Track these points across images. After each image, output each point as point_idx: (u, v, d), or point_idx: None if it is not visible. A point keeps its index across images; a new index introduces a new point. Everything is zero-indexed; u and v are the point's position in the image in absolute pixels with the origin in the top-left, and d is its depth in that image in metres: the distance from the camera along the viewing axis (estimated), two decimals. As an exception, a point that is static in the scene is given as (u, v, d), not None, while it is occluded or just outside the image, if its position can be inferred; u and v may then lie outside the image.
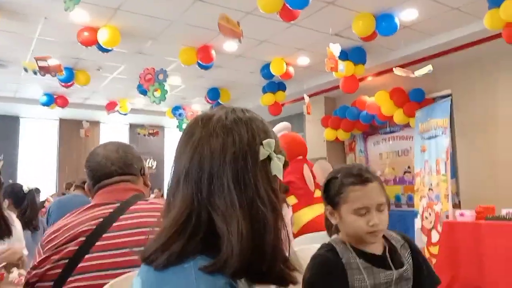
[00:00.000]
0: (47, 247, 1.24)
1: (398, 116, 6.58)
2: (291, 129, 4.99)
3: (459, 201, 5.88)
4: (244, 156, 0.76)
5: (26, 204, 2.98)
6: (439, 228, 5.02)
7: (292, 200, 4.36)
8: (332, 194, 1.35)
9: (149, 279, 0.73)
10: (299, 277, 0.82)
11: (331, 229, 1.44)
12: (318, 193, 4.61)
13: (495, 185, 5.40)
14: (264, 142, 0.78)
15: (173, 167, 0.82)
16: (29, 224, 2.89)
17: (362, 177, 1.30)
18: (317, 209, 4.41)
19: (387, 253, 1.32)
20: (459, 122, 6.04)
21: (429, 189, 5.51)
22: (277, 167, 0.79)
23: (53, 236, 1.25)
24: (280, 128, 4.92)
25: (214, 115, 0.81)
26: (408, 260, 1.35)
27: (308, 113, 6.11)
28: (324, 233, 2.60)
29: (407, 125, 6.88)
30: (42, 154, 9.87)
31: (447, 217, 5.06)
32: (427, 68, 4.70)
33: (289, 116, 9.01)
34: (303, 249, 1.66)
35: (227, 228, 0.72)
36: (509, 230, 4.21)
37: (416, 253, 1.39)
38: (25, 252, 2.22)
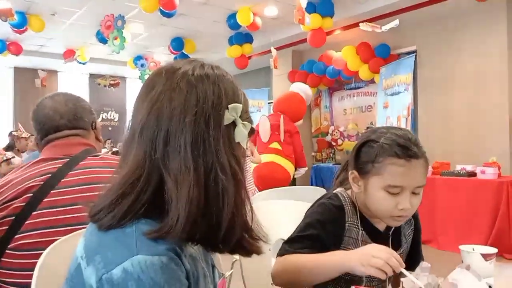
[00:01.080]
0: None
1: (364, 72, 6.61)
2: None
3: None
4: (207, 118, 0.70)
5: None
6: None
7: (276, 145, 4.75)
8: (364, 159, 1.14)
9: (91, 241, 0.70)
10: (264, 246, 0.78)
11: (337, 182, 1.31)
12: (273, 145, 5.01)
13: (451, 142, 5.60)
14: (230, 106, 0.72)
15: (130, 121, 0.75)
16: None
17: (409, 150, 1.07)
18: (266, 158, 4.77)
19: (390, 232, 1.23)
20: (421, 78, 6.13)
21: (390, 144, 5.65)
22: (241, 134, 0.73)
23: None
24: (303, 88, 5.16)
25: (180, 68, 0.73)
26: (408, 239, 1.28)
27: (275, 67, 6.03)
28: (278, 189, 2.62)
29: (372, 81, 6.94)
30: (-3, 104, 9.39)
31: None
32: (394, 23, 4.68)
33: (256, 70, 8.91)
34: (259, 205, 1.67)
35: (176, 192, 0.67)
36: (461, 185, 4.42)
37: (418, 231, 1.32)
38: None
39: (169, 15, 5.78)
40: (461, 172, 4.55)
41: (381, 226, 1.22)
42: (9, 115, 9.50)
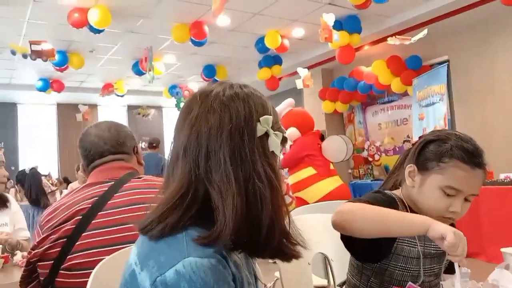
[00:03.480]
0: (45, 227, 1.26)
1: (396, 85, 6.54)
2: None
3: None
4: (241, 132, 0.76)
5: (29, 183, 3.02)
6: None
7: (310, 171, 4.42)
8: (429, 156, 1.16)
9: (143, 249, 0.76)
10: (302, 251, 0.81)
11: (388, 183, 1.31)
12: (331, 166, 4.64)
13: (492, 150, 5.40)
14: (261, 118, 0.79)
15: (172, 144, 0.83)
16: (37, 202, 2.93)
17: (475, 158, 1.11)
18: (335, 181, 4.45)
19: None
20: (456, 88, 6.00)
21: (428, 156, 5.52)
22: (274, 143, 0.79)
23: (50, 216, 1.27)
24: (286, 106, 4.93)
25: (212, 91, 0.81)
26: None
27: (307, 85, 6.07)
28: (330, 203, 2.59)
29: (405, 94, 6.85)
30: (42, 139, 9.89)
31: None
32: (422, 33, 4.65)
33: (287, 91, 8.97)
34: (298, 218, 1.68)
35: (222, 202, 0.73)
36: (506, 193, 4.25)
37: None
38: (27, 234, 2.25)
39: (200, 44, 5.98)
40: (505, 181, 4.39)
41: None
42: (54, 149, 9.98)
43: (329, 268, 1.64)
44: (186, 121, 0.79)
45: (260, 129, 0.78)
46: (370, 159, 7.94)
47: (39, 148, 9.78)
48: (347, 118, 8.43)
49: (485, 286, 0.94)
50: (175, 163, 0.80)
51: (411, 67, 6.45)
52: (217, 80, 8.03)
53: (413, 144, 1.27)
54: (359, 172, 8.15)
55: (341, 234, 1.18)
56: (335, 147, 6.65)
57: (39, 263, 1.23)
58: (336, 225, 1.11)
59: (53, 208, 1.30)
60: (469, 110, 5.83)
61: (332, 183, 4.37)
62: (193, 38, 5.77)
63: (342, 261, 1.59)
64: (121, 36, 6.13)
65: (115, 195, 1.28)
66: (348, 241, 1.18)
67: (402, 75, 6.45)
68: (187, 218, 0.74)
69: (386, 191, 1.26)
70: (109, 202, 1.27)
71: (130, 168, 1.41)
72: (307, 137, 4.69)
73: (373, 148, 7.89)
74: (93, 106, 10.11)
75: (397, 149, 7.46)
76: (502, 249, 1.07)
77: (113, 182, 1.32)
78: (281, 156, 0.85)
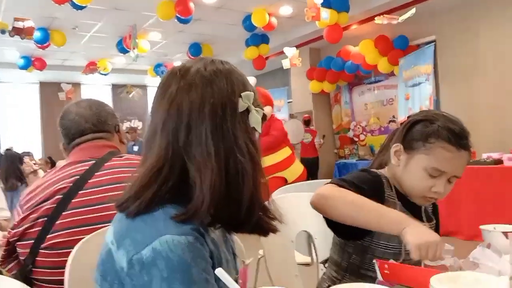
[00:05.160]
0: (25, 207, 1.24)
1: (383, 65, 6.55)
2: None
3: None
4: (223, 107, 0.76)
5: (5, 166, 2.95)
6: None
7: (288, 151, 4.46)
8: (416, 136, 1.15)
9: (120, 227, 0.74)
10: (279, 226, 0.82)
11: (375, 162, 1.31)
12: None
13: (476, 130, 5.45)
14: (243, 94, 0.78)
15: (150, 120, 0.81)
16: (7, 182, 2.88)
17: (461, 140, 1.11)
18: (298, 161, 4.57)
19: (423, 207, 1.25)
20: (442, 68, 6.02)
21: (413, 136, 5.57)
22: (255, 119, 0.79)
23: (30, 196, 1.25)
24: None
25: (192, 67, 0.79)
26: (433, 215, 1.31)
27: (294, 65, 6.04)
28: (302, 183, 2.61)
29: (392, 74, 6.86)
30: (24, 119, 9.70)
31: (430, 162, 5.15)
32: (410, 12, 4.63)
33: (274, 70, 8.94)
34: (282, 197, 1.68)
35: (200, 177, 0.73)
36: (488, 173, 4.32)
37: (436, 209, 1.35)
38: (8, 214, 2.22)
39: (185, 22, 5.87)
40: (487, 160, 4.45)
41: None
42: (37, 128, 9.82)
43: (312, 245, 1.65)
44: (166, 96, 0.78)
45: (242, 105, 0.77)
46: (356, 139, 7.99)
47: (21, 128, 9.61)
48: (333, 98, 8.43)
49: (466, 263, 0.95)
50: (152, 138, 0.78)
51: (398, 47, 6.45)
52: (203, 59, 7.92)
53: (400, 124, 1.27)
54: (344, 152, 8.21)
55: None
56: (295, 129, 6.76)
57: (18, 243, 1.21)
58: (315, 207, 1.12)
59: (33, 188, 1.28)
60: (455, 90, 5.87)
61: (299, 163, 4.48)
62: (179, 15, 5.66)
63: (325, 239, 1.61)
64: (104, 13, 5.98)
65: (96, 173, 1.26)
66: (331, 220, 1.18)
67: (389, 55, 6.45)
68: (163, 194, 0.73)
69: (372, 169, 1.26)
70: (90, 181, 1.25)
71: (112, 147, 1.38)
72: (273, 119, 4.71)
73: (359, 128, 7.94)
74: (76, 85, 9.94)
75: (383, 129, 7.51)
76: (482, 226, 1.08)
77: (94, 161, 1.29)
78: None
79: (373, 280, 1.17)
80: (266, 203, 0.82)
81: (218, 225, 0.78)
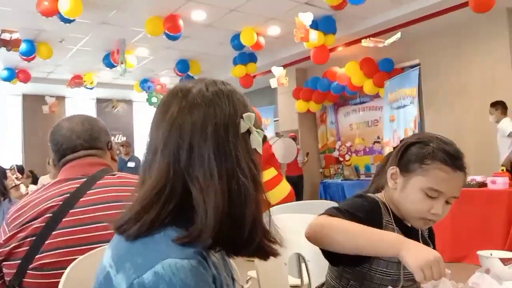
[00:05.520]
0: (12, 225, 1.19)
1: (368, 87, 6.65)
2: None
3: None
4: (226, 128, 0.75)
5: None
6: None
7: (273, 172, 4.41)
8: (411, 158, 1.16)
9: (119, 250, 0.72)
10: (279, 250, 0.80)
11: (371, 186, 1.30)
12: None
13: (460, 153, 5.55)
14: (244, 115, 0.78)
15: (149, 140, 0.79)
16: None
17: (457, 161, 1.13)
18: (286, 182, 4.52)
19: (420, 231, 1.25)
20: (426, 91, 6.15)
21: (398, 157, 5.64)
22: (257, 140, 0.79)
23: (18, 213, 1.20)
24: None
25: (193, 87, 0.79)
26: (430, 240, 1.31)
27: (281, 84, 6.08)
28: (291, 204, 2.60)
29: (377, 96, 6.97)
30: (6, 131, 9.49)
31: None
32: (396, 36, 4.73)
33: (261, 89, 8.99)
34: (274, 218, 1.66)
35: (203, 199, 0.71)
36: (472, 196, 4.38)
37: (433, 234, 1.35)
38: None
39: (174, 38, 5.89)
40: (472, 183, 4.52)
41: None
42: (19, 141, 9.61)
43: (303, 268, 1.63)
44: (167, 116, 0.76)
45: (243, 126, 0.77)
46: (341, 159, 8.04)
47: (2, 141, 9.39)
48: (319, 118, 8.51)
49: (465, 288, 0.95)
50: (152, 158, 0.77)
51: (384, 69, 6.57)
52: (190, 76, 7.96)
53: (394, 148, 1.27)
54: (330, 171, 8.25)
55: None
56: (287, 147, 6.74)
57: (4, 263, 1.16)
58: (310, 239, 1.11)
59: (22, 205, 1.23)
60: (439, 113, 5.99)
61: (286, 183, 4.42)
62: (168, 32, 5.67)
63: (318, 262, 1.59)
64: (92, 27, 5.95)
65: (87, 192, 1.23)
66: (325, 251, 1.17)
67: (374, 77, 6.56)
68: (164, 216, 0.71)
69: (368, 194, 1.25)
70: (81, 199, 1.21)
71: (104, 164, 1.35)
72: None
73: (344, 148, 8.00)
74: (60, 98, 9.79)
75: (367, 150, 7.59)
76: (479, 252, 1.09)
77: (85, 179, 1.26)
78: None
79: None
80: (266, 226, 0.80)
81: (219, 248, 0.76)
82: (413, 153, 1.16)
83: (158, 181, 0.73)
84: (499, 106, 4.89)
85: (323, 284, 1.35)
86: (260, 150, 0.79)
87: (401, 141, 1.25)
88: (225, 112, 0.76)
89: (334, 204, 2.61)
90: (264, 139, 0.81)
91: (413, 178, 1.15)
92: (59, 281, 1.07)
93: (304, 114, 8.20)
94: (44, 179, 5.49)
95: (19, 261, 1.14)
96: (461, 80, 5.72)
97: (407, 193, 1.16)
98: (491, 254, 1.08)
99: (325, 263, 1.53)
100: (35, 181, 6.44)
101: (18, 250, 1.15)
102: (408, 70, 6.12)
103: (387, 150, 5.98)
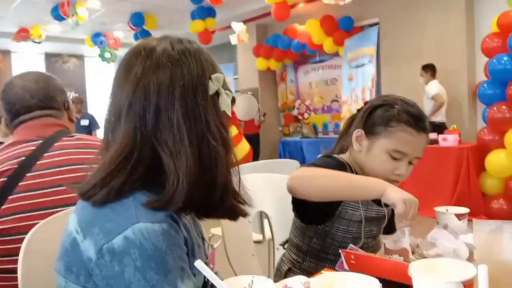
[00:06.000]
0: None
1: (328, 45, 6.65)
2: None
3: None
4: (194, 90, 0.72)
5: None
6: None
7: (234, 131, 4.38)
8: (376, 121, 1.17)
9: (86, 216, 0.70)
10: (248, 210, 0.81)
11: (336, 148, 1.32)
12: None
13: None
14: (213, 76, 0.75)
15: (111, 101, 0.76)
16: None
17: (421, 123, 1.15)
18: (245, 140, 4.52)
19: None
20: (384, 50, 6.23)
21: (355, 116, 5.77)
22: (225, 102, 0.76)
23: None
24: None
25: (158, 45, 0.75)
26: None
27: (241, 41, 5.96)
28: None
29: (336, 54, 7.00)
30: None
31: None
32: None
33: (221, 45, 8.78)
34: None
35: (174, 163, 0.69)
36: (425, 153, 4.57)
37: None
38: None
39: (128, -10, 5.58)
40: (424, 141, 4.71)
41: None
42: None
43: (269, 226, 1.67)
44: (130, 77, 0.72)
45: (212, 87, 0.74)
46: (300, 117, 8.13)
47: None
48: (279, 76, 8.48)
49: (424, 243, 1.00)
50: (116, 121, 0.73)
51: (343, 27, 6.56)
52: (145, 30, 7.64)
53: (358, 110, 1.29)
54: (289, 129, 8.34)
55: (292, 197, 1.19)
56: (247, 105, 6.71)
57: None
58: (292, 190, 1.11)
59: None
60: (396, 73, 6.10)
61: (246, 142, 4.43)
62: (121, -17, 5.36)
63: (279, 219, 1.63)
64: (38, -25, 5.52)
65: (44, 155, 1.17)
66: (298, 203, 1.19)
67: (334, 35, 6.55)
68: (133, 181, 0.70)
69: (335, 155, 1.27)
70: (37, 162, 1.15)
71: (60, 125, 1.29)
72: None
73: (303, 106, 8.07)
74: (6, 53, 9.17)
75: (326, 108, 7.70)
76: (436, 208, 1.14)
77: (41, 141, 1.20)
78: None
79: (333, 263, 1.21)
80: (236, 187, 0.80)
81: (189, 211, 0.75)
82: (378, 116, 1.18)
83: (124, 146, 0.70)
84: (429, 69, 5.15)
85: (286, 242, 1.39)
86: (229, 112, 0.77)
87: (365, 104, 1.26)
88: (192, 72, 0.73)
89: (295, 162, 2.68)
90: (233, 101, 0.79)
91: (378, 140, 1.17)
92: (18, 247, 1.03)
93: (264, 72, 8.13)
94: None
95: None
96: (418, 42, 5.82)
97: (372, 155, 1.18)
98: (447, 210, 1.15)
99: (287, 220, 1.57)
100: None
101: None
102: (367, 29, 6.15)
103: (345, 108, 6.09)
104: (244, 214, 0.81)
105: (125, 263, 0.63)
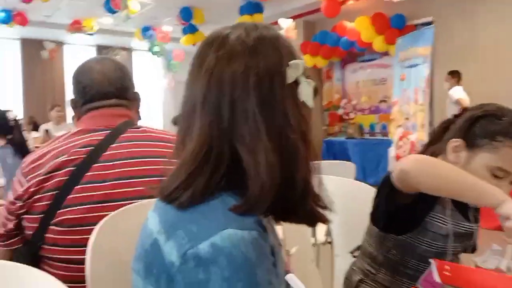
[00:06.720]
0: (30, 175, 1.11)
1: (378, 43, 6.45)
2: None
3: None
4: (270, 78, 0.66)
5: (18, 134, 2.76)
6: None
7: None
8: (480, 132, 1.08)
9: (170, 217, 0.65)
10: (329, 215, 0.73)
11: (426, 154, 1.20)
12: None
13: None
14: (291, 63, 0.68)
15: (186, 96, 0.71)
16: (22, 150, 2.69)
17: None
18: None
19: (471, 206, 1.18)
20: (438, 51, 5.96)
21: (406, 118, 5.56)
22: (306, 91, 0.69)
23: (36, 164, 1.12)
24: None
25: (231, 33, 0.69)
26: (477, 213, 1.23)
27: (290, 37, 5.88)
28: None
29: (386, 53, 6.78)
30: (5, 77, 9.25)
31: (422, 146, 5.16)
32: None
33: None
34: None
35: (253, 159, 0.63)
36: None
37: (479, 211, 1.27)
38: (1, 182, 2.08)
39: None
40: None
41: None
42: (18, 87, 9.40)
43: (329, 231, 1.59)
44: (203, 68, 0.67)
45: (290, 76, 0.67)
46: (346, 117, 7.96)
47: (1, 86, 9.18)
48: (325, 74, 8.34)
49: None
50: (191, 117, 0.68)
51: (395, 26, 6.35)
52: (193, 25, 7.69)
53: (455, 116, 1.18)
54: (333, 129, 8.19)
55: (375, 202, 1.10)
56: None
57: (25, 216, 1.10)
58: (406, 173, 0.98)
59: (39, 155, 1.14)
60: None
61: None
62: (173, -23, 5.40)
63: (341, 222, 1.55)
64: (94, -31, 5.65)
65: (111, 145, 1.15)
66: (378, 209, 1.11)
67: (385, 33, 6.35)
68: (216, 181, 0.64)
69: None
70: (104, 153, 1.13)
71: (128, 116, 1.26)
72: None
73: (349, 106, 7.90)
74: (59, 44, 9.51)
75: (373, 109, 7.49)
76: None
77: (109, 131, 1.17)
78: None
79: (410, 277, 1.12)
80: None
81: (269, 213, 0.69)
82: (482, 126, 1.08)
83: (202, 144, 0.65)
84: (456, 75, 5.29)
85: (357, 249, 1.31)
86: (310, 103, 0.70)
87: (464, 110, 1.16)
88: (268, 60, 0.67)
89: (351, 165, 2.57)
90: (316, 90, 0.72)
91: (480, 154, 1.07)
92: (82, 238, 1.02)
93: (310, 69, 8.00)
94: (45, 126, 5.40)
95: (40, 215, 1.08)
96: (474, 41, 5.54)
97: (470, 169, 1.07)
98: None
99: (351, 225, 1.49)
100: (35, 128, 6.35)
101: (40, 203, 1.08)
102: (420, 28, 5.91)
103: (395, 109, 5.88)
104: (325, 220, 0.73)
105: (211, 272, 0.57)
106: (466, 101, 5.11)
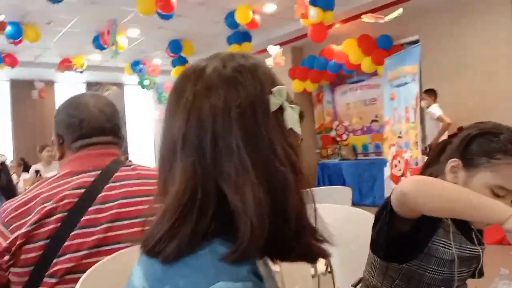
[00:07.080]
0: (14, 224, 1.04)
1: (366, 64, 6.53)
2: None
3: (427, 148, 5.99)
4: (253, 108, 0.62)
5: (5, 178, 2.70)
6: (409, 175, 5.11)
7: None
8: (477, 151, 1.05)
9: (154, 272, 0.59)
10: (329, 249, 0.67)
11: (424, 173, 1.18)
12: None
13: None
14: (274, 89, 0.64)
15: (164, 134, 0.66)
16: (8, 194, 2.63)
17: None
18: None
19: (474, 228, 1.14)
20: (425, 68, 6.03)
21: (398, 136, 5.56)
22: (292, 117, 0.65)
23: (19, 211, 1.05)
24: None
25: (207, 65, 0.66)
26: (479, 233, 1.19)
27: (278, 63, 5.94)
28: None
29: (374, 74, 6.86)
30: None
31: (416, 164, 5.15)
32: (398, 12, 4.59)
33: (255, 68, 8.80)
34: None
35: (240, 197, 0.58)
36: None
37: (482, 233, 1.23)
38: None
39: (166, 17, 5.68)
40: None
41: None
42: (8, 129, 9.36)
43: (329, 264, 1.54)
44: (181, 104, 0.63)
45: (274, 102, 0.63)
46: (338, 139, 7.97)
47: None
48: (315, 97, 8.39)
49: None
50: (171, 157, 0.63)
51: (382, 46, 6.44)
52: (183, 57, 7.75)
53: (449, 136, 1.16)
54: (327, 151, 8.18)
55: (374, 232, 1.06)
56: None
57: (13, 270, 1.03)
58: (405, 195, 0.95)
59: (22, 201, 1.08)
60: (438, 90, 5.89)
61: None
62: (160, 11, 5.46)
63: (340, 253, 1.51)
64: (81, 8, 5.72)
65: (105, 186, 1.10)
66: (378, 237, 1.07)
67: (372, 54, 6.43)
68: (204, 228, 0.58)
69: None
70: (99, 195, 1.08)
71: (116, 155, 1.22)
72: None
73: (341, 127, 7.91)
74: (49, 83, 9.52)
75: (365, 129, 7.51)
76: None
77: (100, 171, 1.13)
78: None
79: None
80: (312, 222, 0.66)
81: (264, 254, 0.64)
82: (479, 145, 1.05)
83: (185, 187, 0.60)
84: (432, 93, 5.52)
85: (358, 282, 1.25)
86: (298, 130, 0.65)
87: (459, 129, 1.14)
88: (249, 89, 0.63)
89: (347, 189, 2.53)
90: (301, 115, 0.68)
91: (479, 174, 1.04)
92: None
93: (300, 94, 8.04)
94: (35, 168, 5.33)
95: (30, 268, 1.01)
96: (462, 58, 5.62)
97: (470, 189, 1.02)
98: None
99: (351, 255, 1.44)
100: (26, 169, 6.27)
101: (29, 255, 1.02)
102: (407, 47, 5.99)
103: (387, 128, 5.89)
104: (325, 255, 0.67)
105: None
106: (447, 118, 5.29)
